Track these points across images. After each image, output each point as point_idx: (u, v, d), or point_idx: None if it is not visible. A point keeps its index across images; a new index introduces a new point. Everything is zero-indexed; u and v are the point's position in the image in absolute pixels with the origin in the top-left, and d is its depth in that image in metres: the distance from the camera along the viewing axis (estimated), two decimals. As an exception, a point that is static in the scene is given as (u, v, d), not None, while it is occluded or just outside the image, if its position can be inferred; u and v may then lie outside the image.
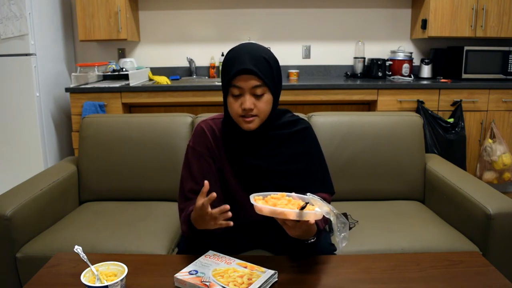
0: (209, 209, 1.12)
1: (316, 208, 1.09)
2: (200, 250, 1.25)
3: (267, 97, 1.26)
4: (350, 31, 3.64)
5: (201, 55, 3.66)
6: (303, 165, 1.36)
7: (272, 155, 1.34)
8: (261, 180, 1.34)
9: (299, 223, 1.09)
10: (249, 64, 1.21)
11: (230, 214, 1.12)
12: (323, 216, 1.10)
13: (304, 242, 1.22)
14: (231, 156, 1.36)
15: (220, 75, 1.32)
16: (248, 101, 1.23)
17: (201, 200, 1.13)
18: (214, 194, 1.11)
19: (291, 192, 1.23)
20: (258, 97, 1.24)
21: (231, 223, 1.14)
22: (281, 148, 1.35)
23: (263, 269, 1.14)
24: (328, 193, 1.41)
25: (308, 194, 1.15)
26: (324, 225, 1.29)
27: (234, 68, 1.22)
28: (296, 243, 1.22)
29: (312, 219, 1.07)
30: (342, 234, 1.10)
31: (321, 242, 1.31)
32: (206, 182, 1.13)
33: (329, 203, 1.41)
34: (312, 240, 1.22)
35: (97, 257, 1.17)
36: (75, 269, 1.19)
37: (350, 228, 1.68)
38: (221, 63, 1.39)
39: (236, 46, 1.29)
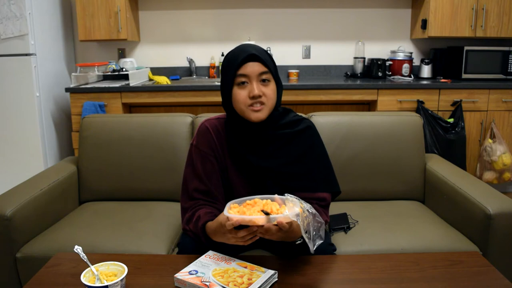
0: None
1: (285, 211, 1.09)
2: (200, 250, 1.25)
3: (273, 85, 1.29)
4: (350, 31, 3.64)
5: (201, 55, 3.66)
6: (307, 165, 1.37)
7: (276, 156, 1.35)
8: (265, 180, 1.35)
9: (275, 228, 1.09)
10: (254, 51, 1.25)
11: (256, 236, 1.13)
12: (317, 217, 1.11)
13: (293, 243, 1.22)
14: (235, 156, 1.36)
15: (221, 74, 1.33)
16: (256, 88, 1.25)
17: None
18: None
19: (291, 192, 1.23)
20: (265, 84, 1.27)
21: (254, 239, 1.15)
22: (284, 148, 1.36)
23: (263, 269, 1.14)
24: (330, 193, 1.41)
25: (286, 194, 1.15)
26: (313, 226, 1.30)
27: (239, 58, 1.25)
28: (293, 243, 1.22)
29: (282, 222, 1.07)
30: (318, 234, 1.11)
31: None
32: (232, 218, 1.11)
33: (329, 203, 1.41)
34: (300, 241, 1.22)
35: (97, 257, 1.17)
36: (75, 269, 1.19)
37: (350, 228, 1.68)
38: (221, 63, 1.40)
39: (235, 47, 1.32)
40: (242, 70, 1.25)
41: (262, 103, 1.26)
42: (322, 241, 1.12)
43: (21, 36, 2.94)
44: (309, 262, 1.23)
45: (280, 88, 1.34)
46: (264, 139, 1.34)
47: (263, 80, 1.27)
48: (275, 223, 1.08)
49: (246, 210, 1.13)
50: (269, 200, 1.17)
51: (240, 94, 1.26)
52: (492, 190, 1.70)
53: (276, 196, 1.18)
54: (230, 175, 1.38)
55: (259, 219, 1.07)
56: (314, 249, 1.10)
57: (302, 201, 1.12)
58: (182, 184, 1.41)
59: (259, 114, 1.27)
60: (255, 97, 1.25)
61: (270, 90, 1.27)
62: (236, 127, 1.34)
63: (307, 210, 1.10)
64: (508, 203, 1.58)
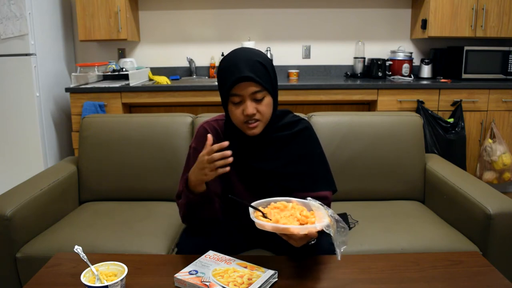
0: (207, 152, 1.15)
1: (316, 224, 1.08)
2: (200, 250, 1.25)
3: (267, 100, 1.27)
4: (350, 31, 3.64)
5: (201, 55, 3.66)
6: (306, 166, 1.37)
7: (275, 158, 1.35)
8: (265, 182, 1.35)
9: (304, 236, 1.09)
10: (246, 71, 1.20)
11: (229, 155, 1.14)
12: (340, 223, 1.11)
13: (305, 244, 1.22)
14: (235, 158, 1.36)
15: (217, 84, 1.32)
16: (250, 107, 1.23)
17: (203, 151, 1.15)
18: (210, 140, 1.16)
19: (292, 192, 1.23)
20: (258, 101, 1.25)
21: (228, 169, 1.16)
22: (283, 150, 1.36)
23: (263, 269, 1.14)
24: (330, 191, 1.41)
25: (308, 198, 1.14)
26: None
27: (231, 77, 1.22)
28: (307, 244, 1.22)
29: (314, 232, 1.07)
30: (342, 239, 1.10)
31: (322, 242, 1.31)
32: (209, 136, 1.16)
33: (330, 201, 1.41)
34: (313, 242, 1.22)
35: (97, 257, 1.17)
36: (75, 269, 1.19)
37: (350, 228, 1.68)
38: (218, 67, 1.39)
39: (230, 53, 1.29)
40: (235, 90, 1.23)
41: (257, 120, 1.26)
42: (345, 246, 1.11)
43: (21, 36, 2.94)
44: (309, 262, 1.23)
45: (276, 94, 1.32)
46: (263, 142, 1.34)
47: (257, 97, 1.24)
48: (307, 232, 1.07)
49: (280, 213, 1.12)
50: (299, 204, 1.16)
51: (235, 112, 1.26)
52: (492, 190, 1.70)
53: (299, 200, 1.18)
54: (231, 177, 1.38)
55: (294, 228, 1.05)
56: (340, 253, 1.10)
57: (325, 206, 1.12)
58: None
59: (254, 130, 1.27)
60: (249, 116, 1.24)
61: (264, 106, 1.26)
62: (235, 130, 1.34)
63: (331, 216, 1.10)
64: (508, 203, 1.58)
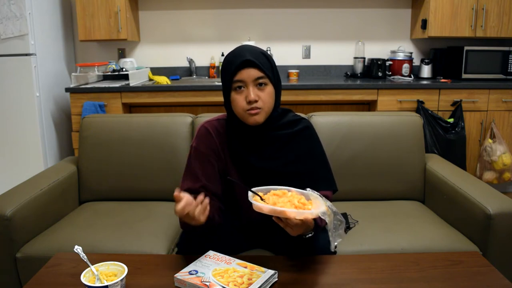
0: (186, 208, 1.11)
1: (312, 210, 1.09)
2: (200, 250, 1.25)
3: (270, 89, 1.29)
4: (350, 31, 3.64)
5: (201, 55, 3.66)
6: (307, 165, 1.37)
7: (276, 157, 1.35)
8: (265, 181, 1.35)
9: (300, 222, 1.09)
10: (249, 56, 1.25)
11: (206, 204, 1.13)
12: (337, 215, 1.11)
13: (302, 237, 1.22)
14: (236, 157, 1.36)
15: (220, 77, 1.34)
16: (252, 92, 1.25)
17: (176, 206, 1.10)
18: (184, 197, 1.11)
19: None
20: (261, 88, 1.27)
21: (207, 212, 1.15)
22: (284, 149, 1.36)
23: (263, 269, 1.14)
24: (330, 191, 1.41)
25: (307, 189, 1.15)
26: (323, 223, 1.29)
27: (235, 63, 1.25)
28: (295, 239, 1.22)
29: (310, 218, 1.08)
30: (337, 232, 1.10)
31: (321, 241, 1.31)
32: (177, 194, 1.10)
33: (331, 201, 1.41)
34: (310, 235, 1.23)
35: (97, 257, 1.17)
36: (75, 269, 1.19)
37: (350, 228, 1.68)
38: (221, 64, 1.40)
39: (233, 49, 1.33)
40: (238, 76, 1.26)
41: (258, 108, 1.27)
42: (341, 239, 1.12)
43: (21, 36, 2.94)
44: (309, 262, 1.23)
45: (279, 89, 1.34)
46: (264, 140, 1.34)
47: (260, 84, 1.27)
48: (302, 218, 1.07)
49: (278, 199, 1.13)
50: (297, 192, 1.17)
51: (238, 99, 1.28)
52: (492, 190, 1.70)
53: (299, 190, 1.19)
54: (231, 176, 1.38)
55: (291, 212, 1.06)
56: (335, 247, 1.11)
57: (324, 198, 1.13)
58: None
59: (257, 117, 1.28)
60: (251, 102, 1.25)
61: (266, 94, 1.28)
62: (237, 129, 1.35)
63: (329, 207, 1.10)
64: (508, 203, 1.58)
